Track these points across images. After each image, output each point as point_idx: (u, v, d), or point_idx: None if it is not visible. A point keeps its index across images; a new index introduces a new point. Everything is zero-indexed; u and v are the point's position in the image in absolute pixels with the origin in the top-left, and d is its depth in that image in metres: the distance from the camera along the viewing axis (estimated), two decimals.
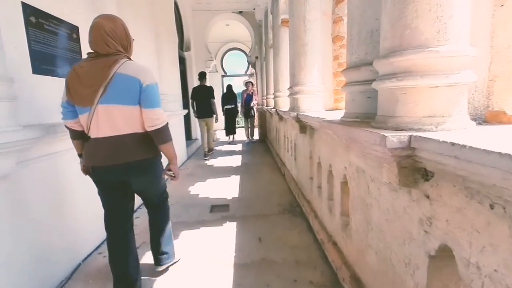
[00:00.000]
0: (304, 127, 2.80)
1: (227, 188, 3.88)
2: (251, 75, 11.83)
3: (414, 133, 0.88)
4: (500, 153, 0.57)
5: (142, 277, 1.82)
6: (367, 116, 1.32)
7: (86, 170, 1.69)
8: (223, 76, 13.42)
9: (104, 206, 1.68)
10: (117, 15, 2.81)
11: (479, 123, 1.16)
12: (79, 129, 1.57)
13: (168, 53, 4.93)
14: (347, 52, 1.42)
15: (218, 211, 3.10)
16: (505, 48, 1.13)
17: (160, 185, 1.85)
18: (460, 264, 0.82)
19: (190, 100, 6.16)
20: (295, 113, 2.75)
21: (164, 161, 1.74)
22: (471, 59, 0.93)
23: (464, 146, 0.67)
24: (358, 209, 1.56)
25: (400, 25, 0.96)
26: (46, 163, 1.86)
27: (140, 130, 1.55)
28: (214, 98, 6.04)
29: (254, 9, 7.77)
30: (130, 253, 1.72)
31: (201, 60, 8.26)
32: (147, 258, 2.18)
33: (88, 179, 1.67)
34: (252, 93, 7.78)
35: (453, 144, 0.70)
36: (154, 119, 1.51)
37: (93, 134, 1.51)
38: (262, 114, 8.10)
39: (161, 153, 1.68)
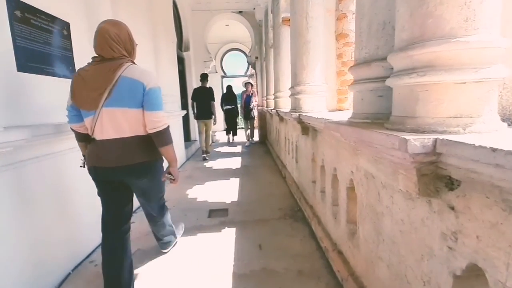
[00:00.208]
0: (306, 128, 2.68)
1: (226, 191, 3.76)
2: (251, 75, 11.71)
3: (440, 136, 0.76)
4: None
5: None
6: (378, 117, 1.20)
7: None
8: (222, 77, 13.31)
9: (103, 206, 1.69)
10: (111, 11, 2.74)
11: (509, 125, 1.04)
12: (85, 132, 1.60)
13: (166, 52, 4.82)
14: (355, 47, 1.31)
15: (217, 215, 2.98)
16: None
17: (160, 188, 1.87)
18: None
19: (190, 101, 6.17)
20: (297, 114, 2.63)
21: (164, 164, 1.75)
22: (503, 51, 0.81)
23: (509, 153, 0.55)
24: (366, 218, 1.44)
25: (421, 13, 0.84)
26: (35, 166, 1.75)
27: (143, 133, 1.58)
28: (214, 100, 6.07)
29: (254, 8, 7.67)
30: (125, 256, 1.70)
31: (200, 60, 8.14)
32: (141, 266, 2.06)
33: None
34: (252, 93, 7.63)
35: (494, 150, 0.58)
36: (155, 121, 1.54)
37: (97, 136, 1.54)
38: (262, 115, 7.99)
39: (163, 156, 1.70)
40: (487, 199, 0.72)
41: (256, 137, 8.38)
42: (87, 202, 2.25)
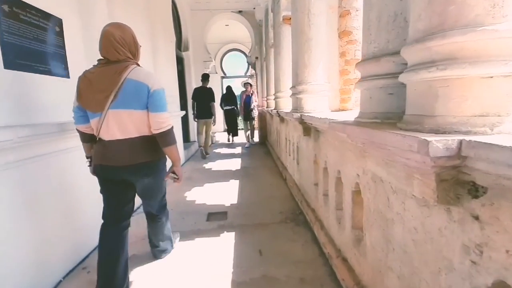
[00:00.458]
0: (308, 129, 2.59)
1: (225, 194, 3.67)
2: (251, 76, 11.62)
3: (465, 137, 0.67)
4: None
5: None
6: (388, 116, 1.11)
7: (95, 171, 1.72)
8: (222, 77, 13.22)
9: (105, 203, 1.72)
10: (107, 8, 2.65)
11: None
12: (91, 132, 1.64)
13: (164, 52, 4.73)
14: (363, 41, 1.22)
15: (215, 219, 2.88)
16: None
17: (163, 188, 1.92)
18: None
19: (191, 100, 6.21)
20: (299, 114, 2.54)
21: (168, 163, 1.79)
22: None
23: None
24: (374, 224, 1.35)
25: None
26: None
27: (148, 133, 1.62)
28: (214, 100, 6.13)
29: (254, 8, 7.59)
30: (122, 252, 1.71)
31: (199, 60, 8.06)
32: (136, 272, 1.97)
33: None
34: (252, 94, 7.52)
35: None
36: (159, 122, 1.58)
37: (103, 136, 1.58)
38: (262, 116, 7.90)
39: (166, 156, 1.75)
40: None
41: (256, 138, 8.28)
42: (81, 206, 2.17)
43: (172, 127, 1.66)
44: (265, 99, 7.04)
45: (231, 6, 7.85)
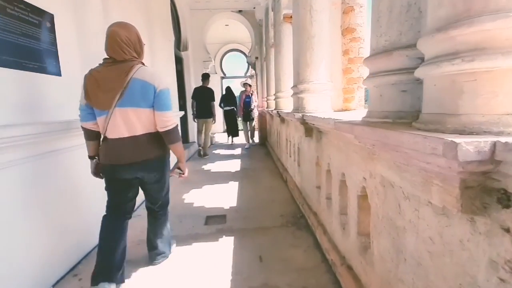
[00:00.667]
0: (310, 129, 2.50)
1: (224, 196, 3.57)
2: (251, 76, 11.53)
3: (499, 139, 0.58)
4: None
5: None
6: (400, 115, 1.02)
7: (97, 173, 1.79)
8: (222, 77, 13.13)
9: (109, 197, 1.78)
10: (101, 4, 2.56)
11: None
12: (97, 130, 1.68)
13: (162, 51, 4.64)
14: (371, 35, 1.13)
15: (214, 223, 2.79)
16: None
17: (167, 183, 1.93)
18: None
19: (191, 100, 6.24)
20: (300, 114, 2.45)
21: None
22: None
23: None
24: (383, 232, 1.26)
25: None
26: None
27: (153, 130, 1.68)
28: (214, 100, 6.17)
29: (254, 8, 7.51)
30: (121, 237, 1.78)
31: (199, 60, 7.96)
32: (129, 278, 1.87)
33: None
34: (252, 94, 7.40)
35: None
36: (165, 121, 1.65)
37: (109, 135, 1.62)
38: (262, 116, 7.80)
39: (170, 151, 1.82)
40: None
41: (256, 139, 8.19)
42: (72, 211, 2.08)
43: (177, 125, 1.73)
44: (265, 99, 6.95)
45: (231, 5, 7.76)
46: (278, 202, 3.30)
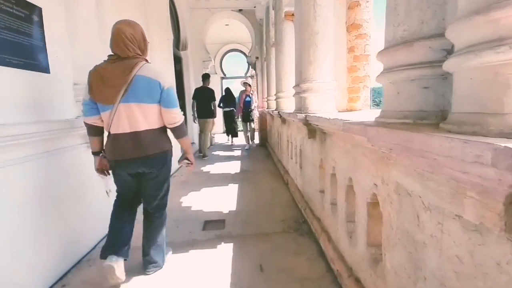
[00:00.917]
0: (313, 131, 2.38)
1: (223, 199, 3.45)
2: (251, 76, 11.40)
3: None
4: None
5: None
6: (421, 115, 0.89)
7: (100, 170, 1.84)
8: (222, 78, 13.01)
9: (117, 188, 1.90)
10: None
11: None
12: (100, 125, 1.71)
13: (160, 50, 4.52)
14: (386, 25, 1.01)
15: (212, 228, 2.66)
16: None
17: (167, 182, 1.93)
18: None
19: (191, 101, 6.24)
20: (303, 115, 2.33)
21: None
22: None
23: None
24: (398, 245, 1.13)
25: None
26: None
27: (156, 126, 1.72)
28: (215, 100, 6.19)
29: (254, 7, 7.39)
30: (131, 217, 1.91)
31: (199, 60, 7.84)
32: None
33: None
34: (252, 94, 7.24)
35: None
36: (173, 117, 1.74)
37: (113, 130, 1.65)
38: (263, 117, 7.67)
39: (171, 151, 1.87)
40: None
41: (256, 140, 8.06)
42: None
43: (184, 120, 1.82)
44: (266, 99, 6.82)
45: (231, 4, 7.65)
46: (279, 206, 3.17)
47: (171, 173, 2.03)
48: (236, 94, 7.76)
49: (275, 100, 4.86)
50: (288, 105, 4.29)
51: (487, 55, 0.58)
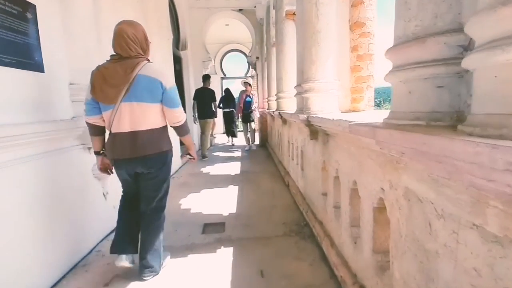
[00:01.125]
0: (315, 132, 2.32)
1: (223, 201, 3.38)
2: (252, 77, 11.34)
3: None
4: None
5: None
6: (435, 117, 0.83)
7: (103, 168, 1.87)
8: (222, 78, 12.96)
9: (122, 187, 1.92)
10: None
11: None
12: (102, 124, 1.72)
13: (159, 49, 4.46)
14: (396, 20, 0.95)
15: (212, 231, 2.60)
16: None
17: (167, 183, 1.91)
18: None
19: (192, 102, 6.26)
20: (305, 115, 2.27)
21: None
22: None
23: None
24: (407, 253, 1.07)
25: None
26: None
27: (156, 126, 1.72)
28: (215, 100, 6.24)
29: (255, 6, 7.33)
30: (135, 216, 1.91)
31: (198, 60, 7.78)
32: None
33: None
34: (253, 95, 7.10)
35: None
36: (176, 116, 1.76)
37: (114, 129, 1.66)
38: (263, 117, 7.61)
39: (172, 152, 1.90)
40: None
41: (256, 141, 7.97)
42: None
43: (186, 119, 1.85)
44: (266, 100, 6.75)
45: (231, 4, 7.59)
46: (280, 208, 3.11)
47: (171, 174, 2.00)
48: (236, 94, 7.70)
49: (275, 100, 4.80)
50: (289, 106, 4.23)
51: None
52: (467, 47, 0.77)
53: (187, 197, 3.61)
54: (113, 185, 2.58)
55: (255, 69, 9.31)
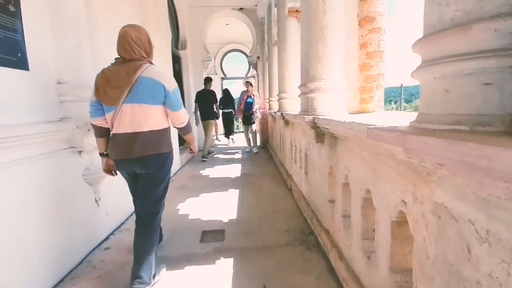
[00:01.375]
0: (321, 134, 2.17)
1: (223, 206, 3.23)
2: (252, 77, 11.18)
3: None
4: None
5: None
6: (481, 120, 0.68)
7: (107, 170, 1.89)
8: (222, 78, 12.82)
9: (128, 187, 1.91)
10: None
11: None
12: (106, 126, 1.73)
13: (158, 48, 4.29)
14: (428, 6, 0.80)
15: (211, 239, 2.45)
16: None
17: (164, 184, 1.87)
18: None
19: (194, 103, 6.25)
20: (311, 117, 2.12)
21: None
22: None
23: None
24: (436, 278, 0.92)
25: None
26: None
27: (157, 127, 1.72)
28: (216, 101, 6.24)
29: (256, 5, 7.19)
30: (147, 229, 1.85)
31: (198, 60, 7.63)
32: None
33: None
34: (254, 95, 6.72)
35: None
36: (180, 118, 1.80)
37: (115, 130, 1.68)
38: (264, 118, 7.45)
39: (173, 153, 1.89)
40: None
41: (257, 143, 7.75)
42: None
43: (189, 119, 1.90)
44: (267, 100, 6.58)
45: (232, 3, 7.46)
46: (283, 214, 2.96)
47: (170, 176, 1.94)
48: (236, 95, 7.57)
49: (277, 101, 4.65)
50: (292, 106, 4.08)
51: None
52: None
53: (185, 202, 3.46)
54: (107, 191, 2.44)
55: (256, 69, 9.18)
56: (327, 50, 2.10)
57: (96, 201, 2.34)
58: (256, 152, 6.67)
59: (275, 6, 4.94)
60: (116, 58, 1.68)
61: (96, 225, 2.33)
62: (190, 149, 2.16)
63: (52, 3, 1.94)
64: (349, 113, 2.32)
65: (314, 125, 2.12)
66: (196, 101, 6.16)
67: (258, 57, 8.28)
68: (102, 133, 1.77)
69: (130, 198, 1.93)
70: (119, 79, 1.60)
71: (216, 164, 5.77)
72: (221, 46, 12.72)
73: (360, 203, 1.54)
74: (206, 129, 6.16)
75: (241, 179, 4.52)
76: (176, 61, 6.38)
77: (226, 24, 9.42)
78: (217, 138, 9.28)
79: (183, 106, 1.80)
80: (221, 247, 2.30)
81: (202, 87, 6.34)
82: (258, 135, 7.77)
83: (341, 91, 2.16)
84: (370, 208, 1.45)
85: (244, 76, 13.24)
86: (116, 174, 1.90)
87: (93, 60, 2.24)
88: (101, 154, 1.85)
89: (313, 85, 2.22)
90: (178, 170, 5.21)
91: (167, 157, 1.81)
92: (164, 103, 1.70)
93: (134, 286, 1.71)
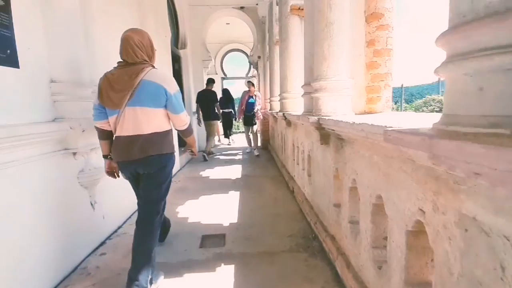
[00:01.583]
0: (326, 136, 2.08)
1: (223, 209, 3.14)
2: (253, 76, 11.08)
3: None
4: None
5: None
6: None
7: (110, 172, 1.90)
8: (223, 78, 12.73)
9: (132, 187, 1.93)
10: None
11: None
12: (109, 129, 1.76)
13: (157, 48, 4.21)
14: None
15: (211, 245, 2.36)
16: None
17: (166, 185, 1.87)
18: None
19: (195, 104, 6.23)
20: (316, 118, 2.03)
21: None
22: None
23: None
24: None
25: None
26: None
27: (159, 130, 1.74)
28: (217, 102, 6.21)
29: (257, 4, 7.09)
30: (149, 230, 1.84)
31: (198, 59, 7.54)
32: None
33: None
34: (256, 96, 6.54)
35: None
36: (181, 120, 1.82)
37: (118, 133, 1.70)
38: (265, 118, 7.35)
39: (174, 156, 1.89)
40: None
41: (259, 144, 7.60)
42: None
43: (190, 122, 1.92)
44: (269, 100, 6.48)
45: (232, 1, 7.36)
46: (285, 217, 2.87)
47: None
48: (236, 95, 7.49)
49: (279, 101, 4.56)
50: (294, 107, 3.99)
51: None
52: None
53: (185, 204, 3.37)
54: (103, 194, 2.35)
55: (256, 69, 9.08)
56: (333, 48, 2.01)
57: (92, 204, 2.25)
58: (258, 155, 6.46)
59: (277, 4, 4.85)
60: (119, 62, 1.70)
61: (92, 230, 2.24)
62: (191, 151, 2.16)
63: (45, 6, 1.85)
64: (355, 114, 2.23)
65: (319, 126, 2.03)
66: (197, 102, 6.13)
67: (259, 57, 8.18)
68: (105, 135, 1.79)
69: (127, 201, 1.88)
70: (122, 82, 1.61)
71: (216, 165, 5.68)
72: (222, 46, 12.63)
73: (370, 209, 1.45)
74: (209, 129, 6.13)
75: (241, 180, 4.43)
76: (176, 60, 6.30)
77: (227, 23, 9.32)
78: (219, 140, 9.19)
79: (184, 109, 1.82)
80: (222, 253, 2.21)
81: (202, 86, 6.27)
82: (259, 136, 7.65)
83: (347, 90, 2.07)
84: (381, 215, 1.36)
85: (244, 76, 13.15)
86: (119, 176, 1.91)
87: (88, 57, 2.15)
88: (105, 157, 1.87)
89: (317, 85, 2.13)
90: (178, 171, 5.12)
91: (169, 158, 1.81)
92: (166, 106, 1.72)
93: None
